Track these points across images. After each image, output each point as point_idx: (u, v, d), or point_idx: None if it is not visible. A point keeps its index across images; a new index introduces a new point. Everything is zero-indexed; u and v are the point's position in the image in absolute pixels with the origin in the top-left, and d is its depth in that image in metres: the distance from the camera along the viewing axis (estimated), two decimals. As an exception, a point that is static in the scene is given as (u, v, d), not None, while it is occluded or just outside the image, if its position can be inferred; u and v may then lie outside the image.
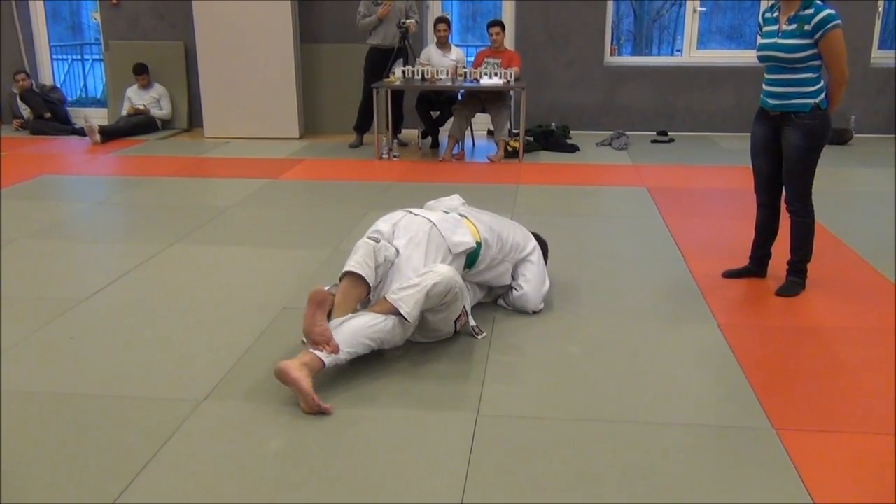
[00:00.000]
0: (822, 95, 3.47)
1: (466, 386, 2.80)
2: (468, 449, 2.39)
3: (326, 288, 2.89)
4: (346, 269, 2.90)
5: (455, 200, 3.58)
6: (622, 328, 3.32)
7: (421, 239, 3.08)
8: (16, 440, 2.43)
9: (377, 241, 2.97)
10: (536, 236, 3.67)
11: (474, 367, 2.94)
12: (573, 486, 2.21)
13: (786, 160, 3.58)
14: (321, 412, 2.57)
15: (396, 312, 2.85)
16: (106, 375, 2.88)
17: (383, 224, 3.16)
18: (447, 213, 3.31)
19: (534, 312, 3.44)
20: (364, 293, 2.92)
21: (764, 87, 3.60)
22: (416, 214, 3.22)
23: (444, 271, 2.92)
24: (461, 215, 3.33)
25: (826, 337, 3.25)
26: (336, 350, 2.71)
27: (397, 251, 3.03)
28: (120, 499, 2.13)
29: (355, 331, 2.78)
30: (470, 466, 2.30)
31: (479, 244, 3.24)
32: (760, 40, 3.57)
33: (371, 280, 2.90)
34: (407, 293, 2.86)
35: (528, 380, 2.86)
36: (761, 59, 3.57)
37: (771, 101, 3.57)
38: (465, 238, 3.18)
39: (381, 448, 2.40)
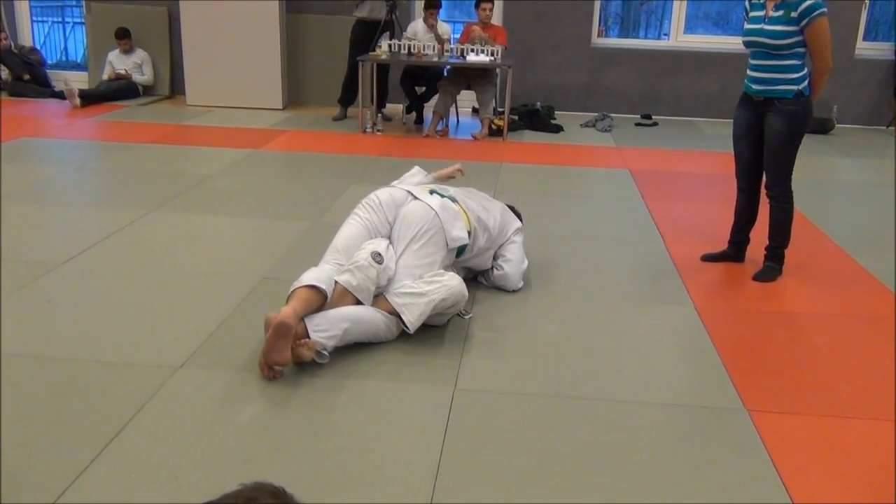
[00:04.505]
0: (806, 82, 3.50)
1: (444, 360, 2.81)
2: (444, 422, 2.40)
3: (298, 286, 2.77)
4: (345, 286, 2.82)
5: (418, 175, 3.54)
6: (600, 308, 3.34)
7: (424, 236, 3.04)
8: (-10, 401, 2.42)
9: (381, 262, 2.89)
10: (512, 209, 3.68)
11: (453, 342, 2.95)
12: (547, 460, 2.23)
13: (767, 146, 3.61)
14: (266, 374, 2.61)
15: (396, 313, 2.85)
16: (82, 339, 2.86)
17: (387, 205, 3.11)
18: (443, 196, 3.23)
19: (514, 291, 3.46)
20: (354, 303, 2.88)
21: (748, 72, 3.62)
22: (417, 198, 3.17)
23: (454, 284, 2.91)
24: (452, 199, 3.29)
25: (800, 322, 3.29)
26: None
27: (393, 248, 3.01)
28: (94, 463, 2.13)
29: (354, 322, 2.78)
30: (446, 439, 2.31)
31: (468, 234, 3.24)
32: (746, 25, 3.58)
33: (367, 302, 2.87)
34: (412, 301, 2.85)
35: (506, 356, 2.88)
36: (747, 44, 3.58)
37: (755, 87, 3.59)
38: (462, 233, 3.16)
39: (358, 418, 2.41)
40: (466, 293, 2.99)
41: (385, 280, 2.92)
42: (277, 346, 2.57)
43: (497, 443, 2.31)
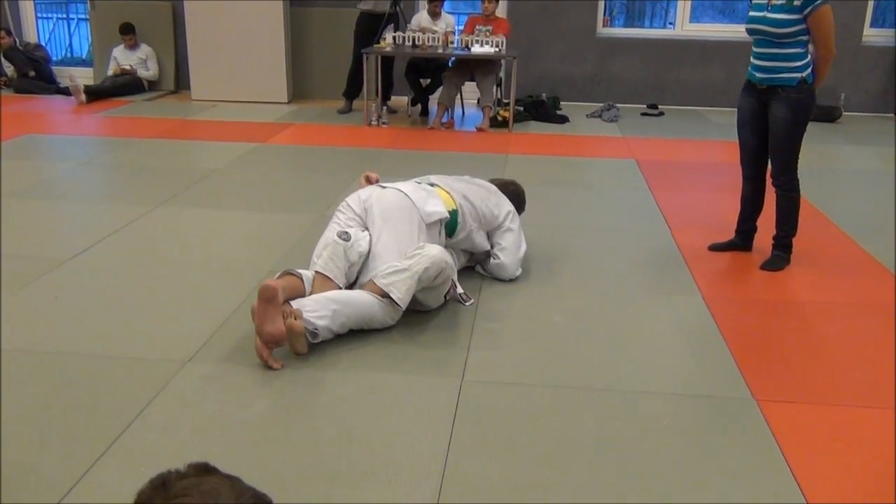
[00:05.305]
0: (809, 70, 3.48)
1: (451, 352, 2.81)
2: (452, 414, 2.40)
3: (277, 276, 2.85)
4: (316, 269, 2.91)
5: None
6: (607, 298, 3.34)
7: (394, 215, 3.06)
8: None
9: (347, 239, 2.93)
10: (512, 185, 3.70)
11: (460, 334, 2.95)
12: (555, 451, 2.23)
13: (772, 134, 3.59)
14: (268, 362, 2.63)
15: (387, 295, 2.85)
16: (90, 335, 2.87)
17: (354, 203, 3.15)
18: (419, 182, 3.30)
19: (511, 280, 3.46)
20: (336, 288, 2.91)
21: (752, 60, 3.61)
22: (385, 188, 3.20)
23: (434, 253, 2.90)
24: (432, 184, 3.32)
25: (808, 311, 3.28)
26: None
27: (370, 235, 3.02)
28: (104, 457, 2.14)
29: (343, 304, 2.79)
30: (453, 431, 2.31)
31: (454, 212, 3.24)
32: (750, 13, 3.57)
33: (341, 282, 2.90)
34: (397, 278, 2.84)
35: (513, 347, 2.87)
36: (750, 32, 3.57)
37: (758, 75, 3.58)
38: (437, 208, 3.17)
39: (366, 411, 2.41)
40: (450, 259, 2.99)
41: (356, 256, 2.95)
42: (268, 314, 2.58)
43: (505, 434, 2.31)
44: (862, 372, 2.75)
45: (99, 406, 2.39)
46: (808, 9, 3.35)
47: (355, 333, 2.86)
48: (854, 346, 2.94)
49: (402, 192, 3.15)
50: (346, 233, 2.97)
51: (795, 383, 2.66)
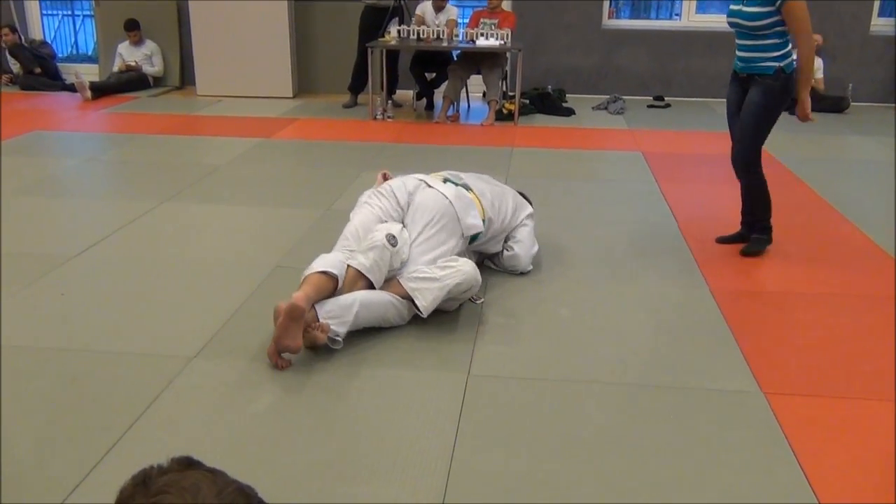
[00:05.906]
0: (789, 60, 3.51)
1: (458, 346, 2.80)
2: (458, 408, 2.40)
3: (312, 272, 2.79)
4: (359, 268, 2.84)
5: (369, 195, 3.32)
6: (614, 291, 3.32)
7: (437, 221, 3.04)
8: (5, 394, 2.42)
9: (395, 244, 2.90)
10: (522, 195, 3.68)
11: (466, 329, 2.94)
12: (561, 445, 2.22)
13: (741, 117, 3.64)
14: (276, 362, 2.61)
15: (408, 297, 2.84)
16: (96, 331, 2.87)
17: (399, 192, 3.12)
18: (456, 184, 3.25)
19: (522, 273, 3.45)
20: (367, 286, 2.88)
21: (735, 51, 3.64)
22: (430, 186, 3.18)
23: (467, 270, 2.90)
24: (466, 187, 3.29)
25: (816, 303, 3.26)
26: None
27: (408, 235, 3.00)
28: (109, 453, 2.14)
29: (365, 305, 2.77)
30: (460, 425, 2.31)
31: (483, 222, 3.24)
32: (729, 6, 3.62)
33: (378, 284, 2.88)
34: (426, 286, 2.84)
35: (519, 341, 2.86)
36: (730, 24, 3.65)
37: (740, 64, 3.65)
38: (476, 221, 3.17)
39: (372, 406, 2.40)
40: (480, 278, 2.98)
41: (398, 263, 2.92)
42: (289, 330, 2.56)
43: (511, 428, 2.30)
44: (871, 364, 2.73)
45: (104, 402, 2.39)
46: (780, 1, 3.36)
47: (362, 330, 2.85)
48: (863, 338, 2.92)
49: (447, 198, 3.12)
50: (394, 237, 2.90)
51: (803, 376, 2.64)
